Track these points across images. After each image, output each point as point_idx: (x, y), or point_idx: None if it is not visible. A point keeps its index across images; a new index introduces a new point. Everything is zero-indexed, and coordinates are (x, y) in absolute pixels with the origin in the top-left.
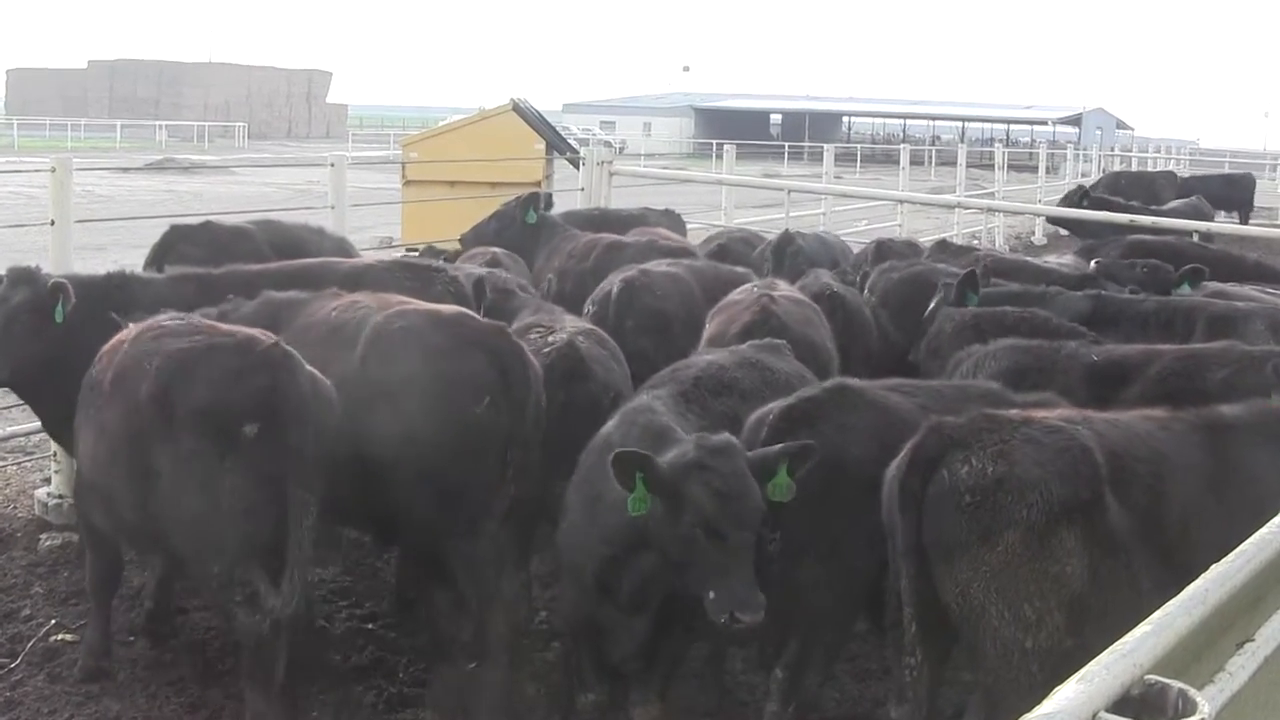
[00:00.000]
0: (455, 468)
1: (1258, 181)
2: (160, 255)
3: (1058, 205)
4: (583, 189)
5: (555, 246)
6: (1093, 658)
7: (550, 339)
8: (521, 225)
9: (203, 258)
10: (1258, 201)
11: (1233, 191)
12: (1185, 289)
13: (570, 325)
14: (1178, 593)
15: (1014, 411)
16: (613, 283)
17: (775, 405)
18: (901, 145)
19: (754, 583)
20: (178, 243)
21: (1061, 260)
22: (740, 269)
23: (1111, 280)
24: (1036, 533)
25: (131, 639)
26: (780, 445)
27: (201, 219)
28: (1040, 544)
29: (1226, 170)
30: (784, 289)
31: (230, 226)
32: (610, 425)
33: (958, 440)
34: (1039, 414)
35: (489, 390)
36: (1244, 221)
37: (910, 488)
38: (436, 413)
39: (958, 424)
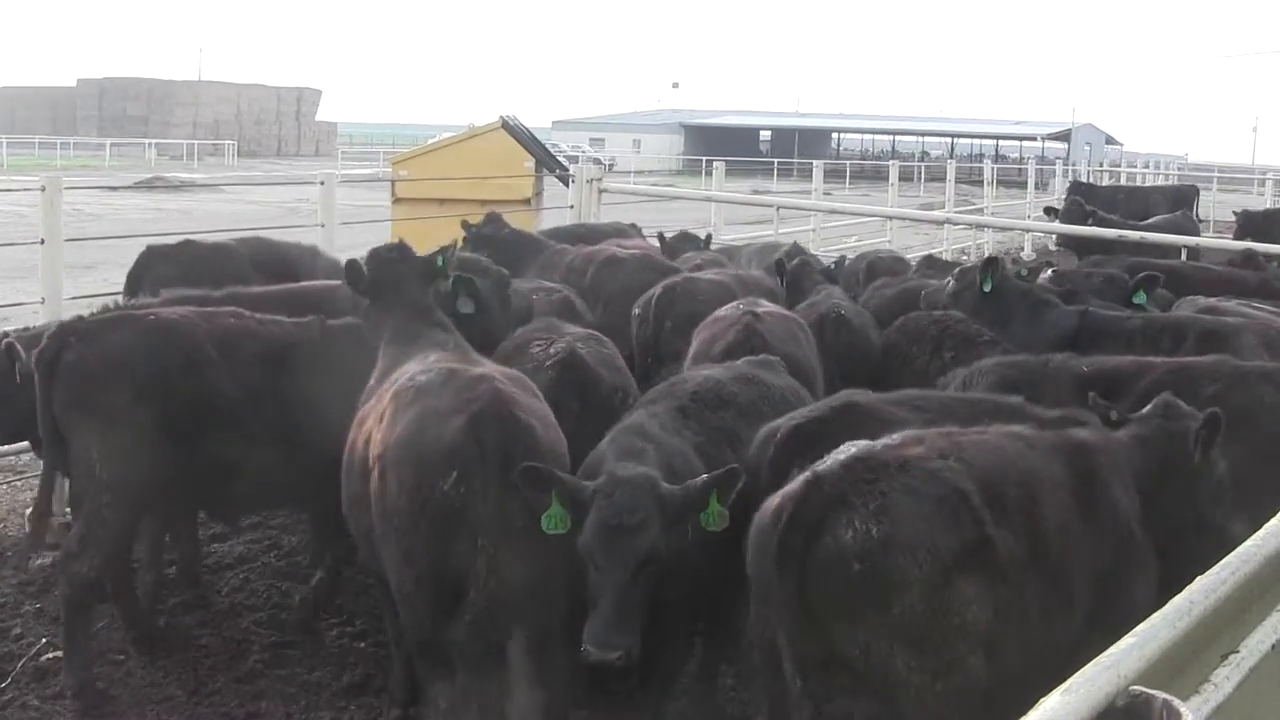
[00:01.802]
0: (425, 548)
1: (1245, 196)
2: (138, 277)
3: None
4: (572, 206)
5: (547, 261)
6: (1003, 689)
7: (551, 350)
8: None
9: (180, 277)
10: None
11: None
12: (1141, 297)
13: (570, 333)
14: (1067, 616)
15: (888, 451)
16: (655, 288)
17: (783, 422)
18: (890, 161)
19: (614, 621)
20: (154, 264)
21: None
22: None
23: (1070, 290)
24: (932, 589)
25: (123, 657)
26: (705, 476)
27: (183, 238)
28: (939, 599)
29: (1215, 186)
30: (768, 305)
31: (211, 244)
32: (603, 444)
33: (838, 496)
34: (912, 452)
35: (458, 465)
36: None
37: (791, 546)
38: (406, 482)
39: (836, 475)
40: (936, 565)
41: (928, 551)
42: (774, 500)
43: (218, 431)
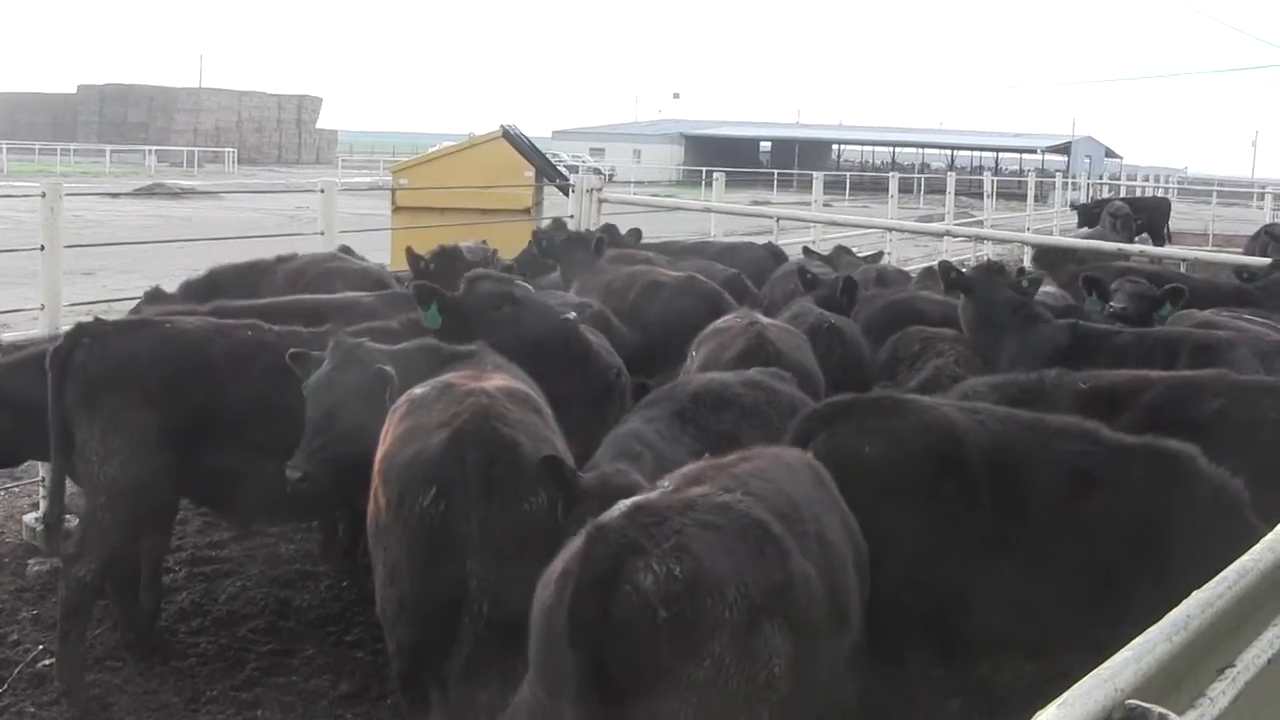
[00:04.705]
0: (408, 567)
1: (1245, 209)
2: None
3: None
4: (572, 216)
5: (586, 282)
6: None
7: None
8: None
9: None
10: (1235, 230)
11: (1147, 215)
12: (1165, 310)
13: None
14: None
15: (666, 496)
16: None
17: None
18: (890, 173)
19: None
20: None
21: (1047, 289)
22: None
23: (1069, 305)
24: (741, 635)
25: (119, 664)
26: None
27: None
28: (746, 648)
29: (1215, 200)
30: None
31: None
32: (600, 452)
33: (628, 544)
34: (694, 491)
35: (438, 481)
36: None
37: (585, 616)
38: (390, 498)
39: (620, 523)
40: (747, 606)
41: (737, 590)
42: (555, 567)
43: (224, 441)
